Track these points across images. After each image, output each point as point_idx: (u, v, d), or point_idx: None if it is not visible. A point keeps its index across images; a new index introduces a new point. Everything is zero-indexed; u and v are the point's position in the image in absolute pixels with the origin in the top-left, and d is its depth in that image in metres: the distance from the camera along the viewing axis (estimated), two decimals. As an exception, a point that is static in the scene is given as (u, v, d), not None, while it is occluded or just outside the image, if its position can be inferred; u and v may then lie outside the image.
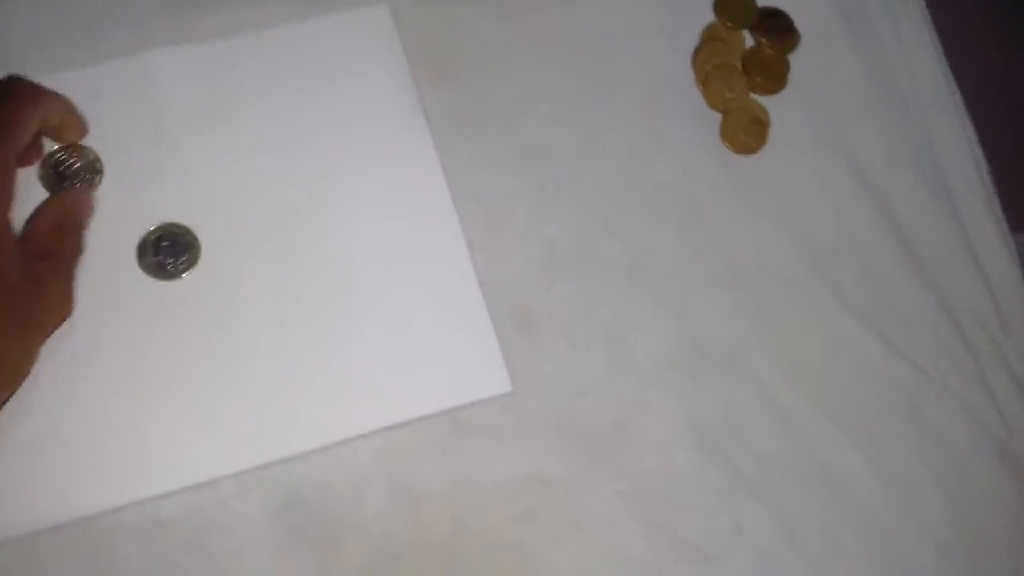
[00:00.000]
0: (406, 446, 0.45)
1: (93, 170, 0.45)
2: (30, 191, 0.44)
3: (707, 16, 0.54)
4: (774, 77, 0.53)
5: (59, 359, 0.43)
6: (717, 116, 0.52)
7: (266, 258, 0.46)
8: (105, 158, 0.46)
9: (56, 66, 0.46)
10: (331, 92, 0.49)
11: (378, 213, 0.47)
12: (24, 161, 0.44)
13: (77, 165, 0.45)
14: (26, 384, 0.42)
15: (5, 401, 0.41)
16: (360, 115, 0.49)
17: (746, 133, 0.52)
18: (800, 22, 0.54)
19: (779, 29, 0.54)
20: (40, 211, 0.43)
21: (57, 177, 0.45)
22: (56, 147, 0.45)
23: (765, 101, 0.53)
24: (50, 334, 0.43)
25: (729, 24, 0.54)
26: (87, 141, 0.46)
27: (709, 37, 0.54)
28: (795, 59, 0.54)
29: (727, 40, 0.54)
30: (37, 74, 0.46)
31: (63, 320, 0.43)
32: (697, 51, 0.53)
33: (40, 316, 0.42)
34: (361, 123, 0.49)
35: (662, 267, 0.49)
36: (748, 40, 0.54)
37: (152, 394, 0.43)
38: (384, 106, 0.49)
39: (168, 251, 0.45)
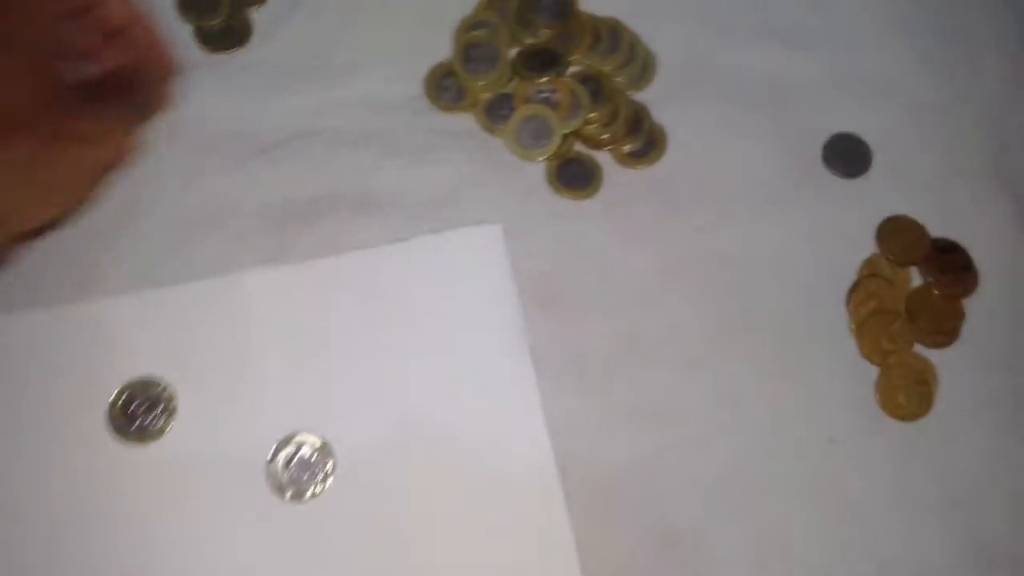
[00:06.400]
0: None
1: (166, 410, 0.41)
2: (95, 434, 0.41)
3: (868, 247, 0.47)
4: (944, 327, 0.46)
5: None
6: (873, 370, 0.45)
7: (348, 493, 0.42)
8: (181, 394, 0.42)
9: (138, 282, 0.43)
10: (426, 319, 0.44)
11: (471, 456, 0.42)
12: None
13: (146, 406, 0.41)
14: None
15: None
16: (456, 348, 0.44)
17: (907, 395, 0.44)
18: (980, 259, 0.46)
19: (953, 267, 0.47)
20: None
21: (126, 418, 0.41)
22: (128, 382, 0.42)
23: (932, 355, 0.45)
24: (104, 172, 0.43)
25: (893, 259, 0.46)
26: (163, 373, 0.42)
27: (869, 273, 0.46)
28: (971, 305, 0.46)
29: (890, 278, 0.46)
30: (119, 291, 0.43)
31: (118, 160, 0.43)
32: (853, 289, 0.46)
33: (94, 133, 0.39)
34: (456, 357, 0.43)
35: (797, 561, 0.42)
36: (916, 278, 0.47)
37: None
38: (485, 341, 0.44)
39: None
